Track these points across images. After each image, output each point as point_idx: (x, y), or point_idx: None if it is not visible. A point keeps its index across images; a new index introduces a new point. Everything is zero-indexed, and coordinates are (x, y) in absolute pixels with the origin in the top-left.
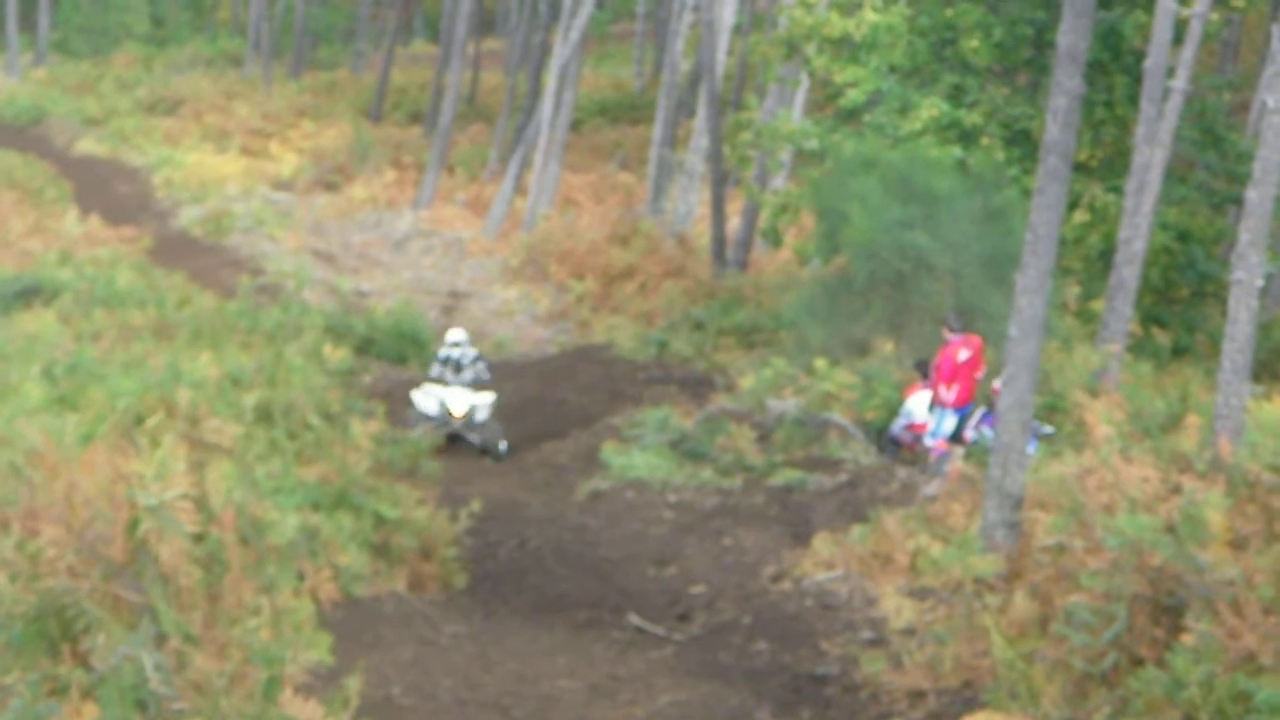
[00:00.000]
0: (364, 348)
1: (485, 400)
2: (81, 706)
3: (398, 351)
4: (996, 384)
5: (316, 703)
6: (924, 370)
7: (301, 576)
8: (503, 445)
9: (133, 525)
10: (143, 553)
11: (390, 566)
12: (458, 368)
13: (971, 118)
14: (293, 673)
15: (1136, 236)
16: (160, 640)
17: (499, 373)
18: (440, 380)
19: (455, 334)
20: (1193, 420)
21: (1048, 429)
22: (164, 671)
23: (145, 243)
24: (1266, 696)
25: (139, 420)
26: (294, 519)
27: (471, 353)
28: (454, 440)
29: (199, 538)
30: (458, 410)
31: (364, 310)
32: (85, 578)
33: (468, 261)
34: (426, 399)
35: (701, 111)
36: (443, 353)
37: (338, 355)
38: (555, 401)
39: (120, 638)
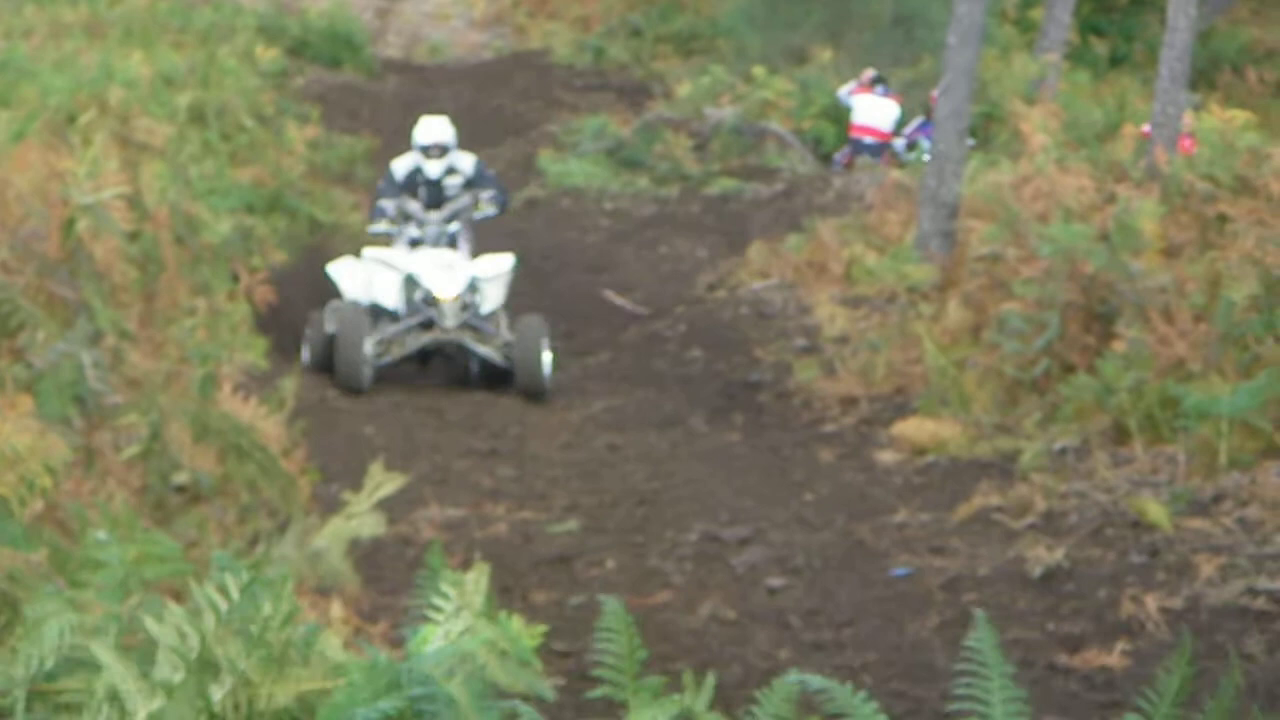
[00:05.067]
0: (297, 50)
1: (495, 271)
2: (17, 399)
3: (331, 54)
4: (935, 92)
5: (253, 402)
6: (879, 81)
7: (236, 279)
8: (546, 365)
9: (68, 223)
10: (78, 251)
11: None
12: (436, 196)
13: None
14: (229, 373)
15: None
16: (96, 337)
17: (434, 79)
18: (391, 228)
19: (433, 127)
20: (1129, 129)
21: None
22: (101, 368)
23: None
24: (1195, 402)
25: (71, 119)
26: (228, 220)
27: (466, 162)
28: (430, 358)
29: (134, 236)
30: (445, 291)
31: (297, 11)
32: (20, 274)
33: None
34: (370, 273)
35: None
36: (402, 163)
37: (271, 57)
38: (491, 108)
39: (57, 335)
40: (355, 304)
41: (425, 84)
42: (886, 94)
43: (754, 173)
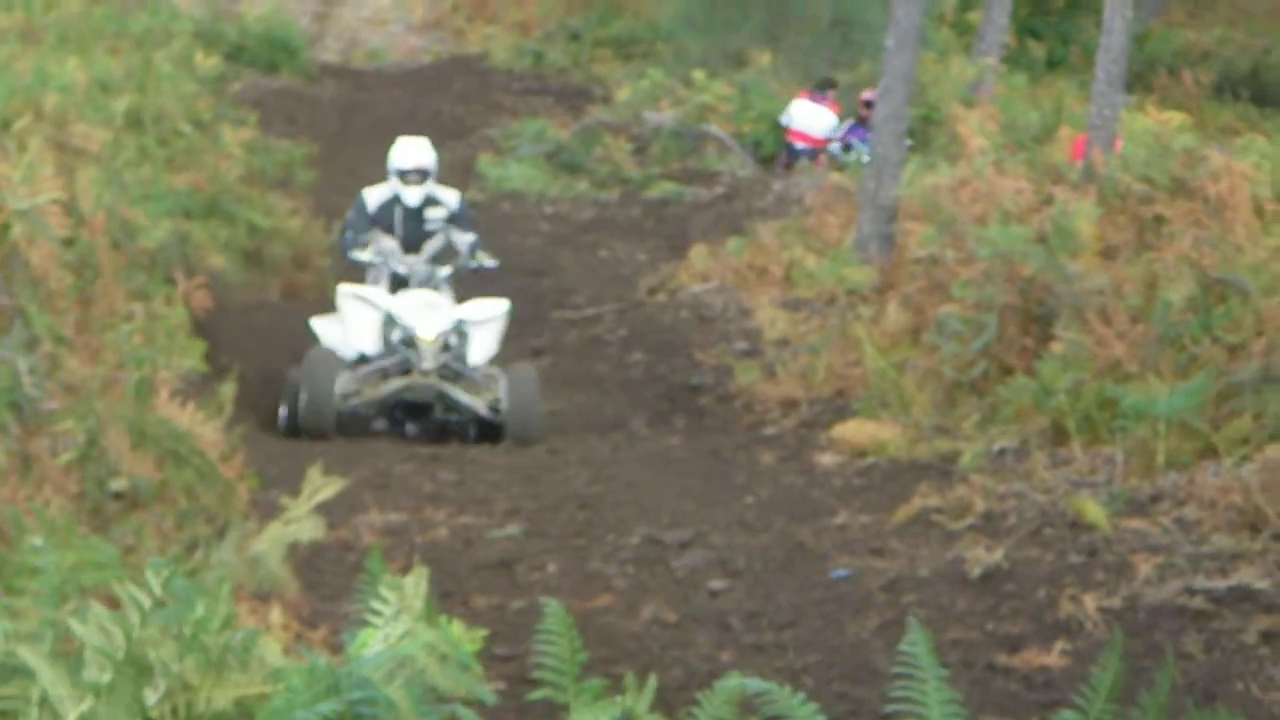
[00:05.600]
0: (234, 55)
1: (485, 315)
2: None
3: (269, 59)
4: (865, 94)
5: (191, 407)
6: (829, 85)
7: (174, 283)
8: (539, 421)
9: (3, 229)
10: (13, 256)
11: (263, 276)
12: (415, 230)
13: None
14: (167, 378)
15: None
16: (32, 343)
17: (372, 83)
18: (374, 256)
19: (413, 150)
20: (1066, 132)
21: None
22: (36, 374)
23: None
24: (1132, 403)
25: (6, 124)
26: (165, 226)
27: (449, 196)
28: (416, 415)
29: (69, 242)
30: (426, 330)
31: (234, 16)
32: None
33: None
34: (345, 312)
35: None
36: (375, 193)
37: (208, 63)
38: (430, 113)
39: None
40: (328, 350)
41: (363, 89)
42: (822, 100)
43: (694, 176)
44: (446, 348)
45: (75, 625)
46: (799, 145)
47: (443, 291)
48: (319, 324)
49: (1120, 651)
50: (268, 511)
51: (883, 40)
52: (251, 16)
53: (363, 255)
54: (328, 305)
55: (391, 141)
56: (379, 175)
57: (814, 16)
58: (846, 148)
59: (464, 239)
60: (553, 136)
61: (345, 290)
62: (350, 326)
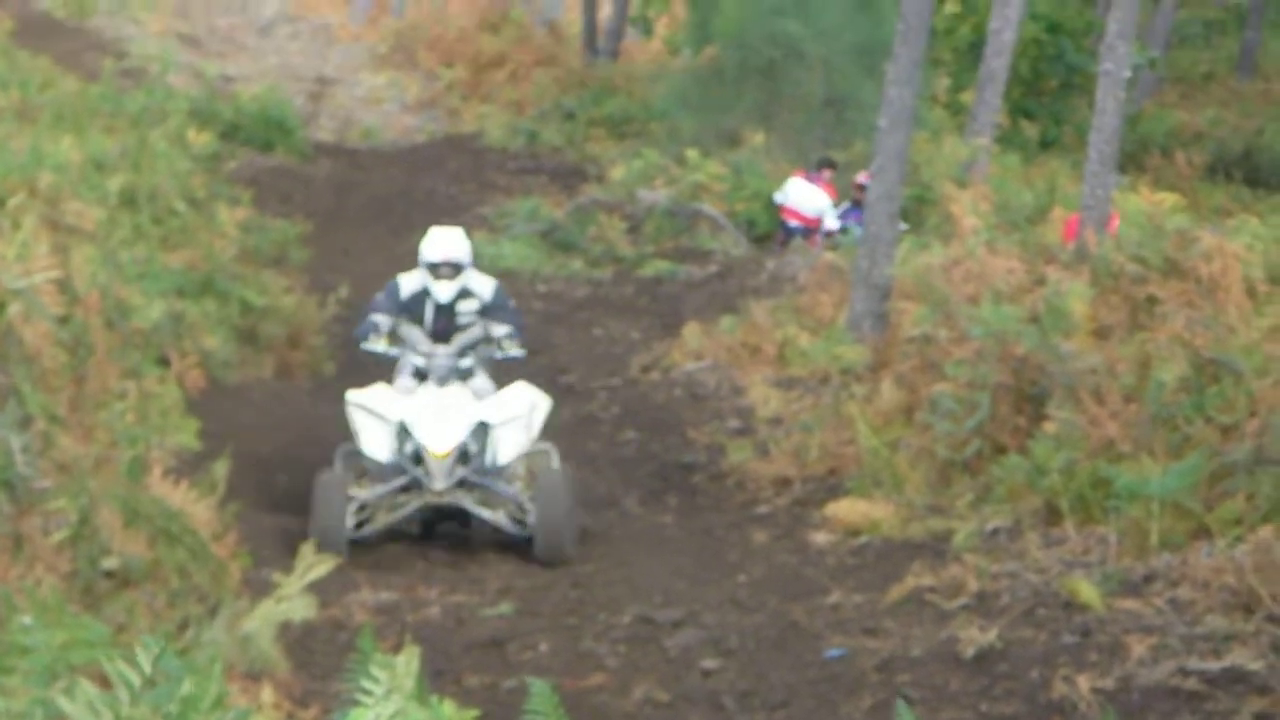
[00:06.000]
0: (229, 134)
1: (514, 412)
2: None
3: (264, 138)
4: (859, 177)
5: (184, 486)
6: (828, 164)
7: (167, 362)
8: (572, 534)
9: None
10: (8, 335)
11: (257, 354)
12: (446, 323)
13: None
14: (160, 456)
15: (1006, 27)
16: (25, 422)
17: (367, 162)
18: (389, 348)
19: (445, 241)
20: (1059, 212)
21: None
22: (29, 453)
23: (6, 24)
24: (1126, 483)
25: (0, 203)
26: (159, 304)
27: (484, 285)
28: (441, 521)
29: (64, 320)
30: (437, 444)
31: (229, 95)
32: None
33: (335, 48)
34: (360, 427)
35: None
36: (409, 281)
37: (203, 140)
38: (424, 191)
39: None
40: (338, 474)
41: (358, 167)
42: (817, 180)
43: (687, 255)
44: (465, 458)
45: (65, 703)
46: (793, 224)
47: (475, 381)
48: (357, 413)
49: None
50: (260, 589)
51: (875, 120)
52: (246, 95)
53: (376, 347)
54: (321, 386)
55: (386, 219)
56: (373, 253)
57: (807, 96)
58: (843, 230)
59: (498, 331)
60: (547, 215)
61: (352, 399)
62: (362, 437)
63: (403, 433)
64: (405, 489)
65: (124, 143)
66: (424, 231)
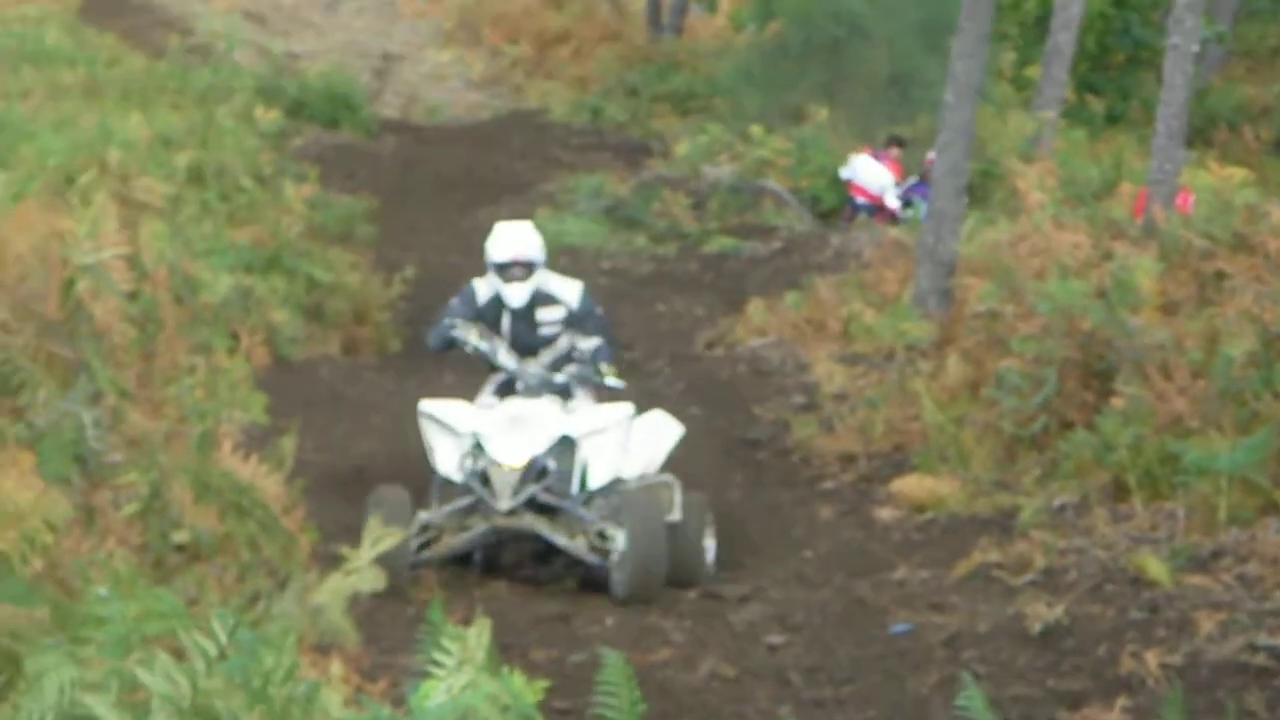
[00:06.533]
0: (295, 110)
1: (598, 425)
2: (18, 458)
3: (329, 114)
4: (930, 155)
5: (253, 460)
6: (896, 142)
7: (235, 338)
8: (709, 552)
9: (67, 283)
10: (77, 310)
11: (324, 330)
12: (526, 334)
13: None
14: (228, 431)
15: (1073, 2)
16: (96, 397)
17: (431, 139)
18: (480, 342)
19: (508, 238)
20: (1126, 187)
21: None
22: (100, 427)
23: (73, 1)
24: (1194, 458)
25: (70, 179)
26: (227, 280)
27: (569, 290)
28: (507, 548)
29: (133, 296)
30: (508, 456)
31: (295, 72)
32: (20, 334)
33: (400, 24)
34: (431, 440)
35: None
36: (485, 285)
37: (269, 117)
38: (489, 168)
39: (57, 394)
40: (397, 490)
41: (423, 144)
42: (884, 157)
43: (751, 231)
44: (542, 474)
45: (142, 674)
46: (860, 200)
47: (573, 399)
48: (431, 428)
49: (1181, 707)
50: (328, 563)
51: (941, 95)
52: (312, 73)
53: (465, 335)
54: (386, 362)
55: (452, 196)
56: (438, 230)
57: (871, 73)
58: (907, 204)
59: (587, 345)
60: (611, 191)
61: (425, 409)
62: (434, 451)
63: (476, 448)
64: (470, 510)
65: (191, 120)
66: (491, 208)
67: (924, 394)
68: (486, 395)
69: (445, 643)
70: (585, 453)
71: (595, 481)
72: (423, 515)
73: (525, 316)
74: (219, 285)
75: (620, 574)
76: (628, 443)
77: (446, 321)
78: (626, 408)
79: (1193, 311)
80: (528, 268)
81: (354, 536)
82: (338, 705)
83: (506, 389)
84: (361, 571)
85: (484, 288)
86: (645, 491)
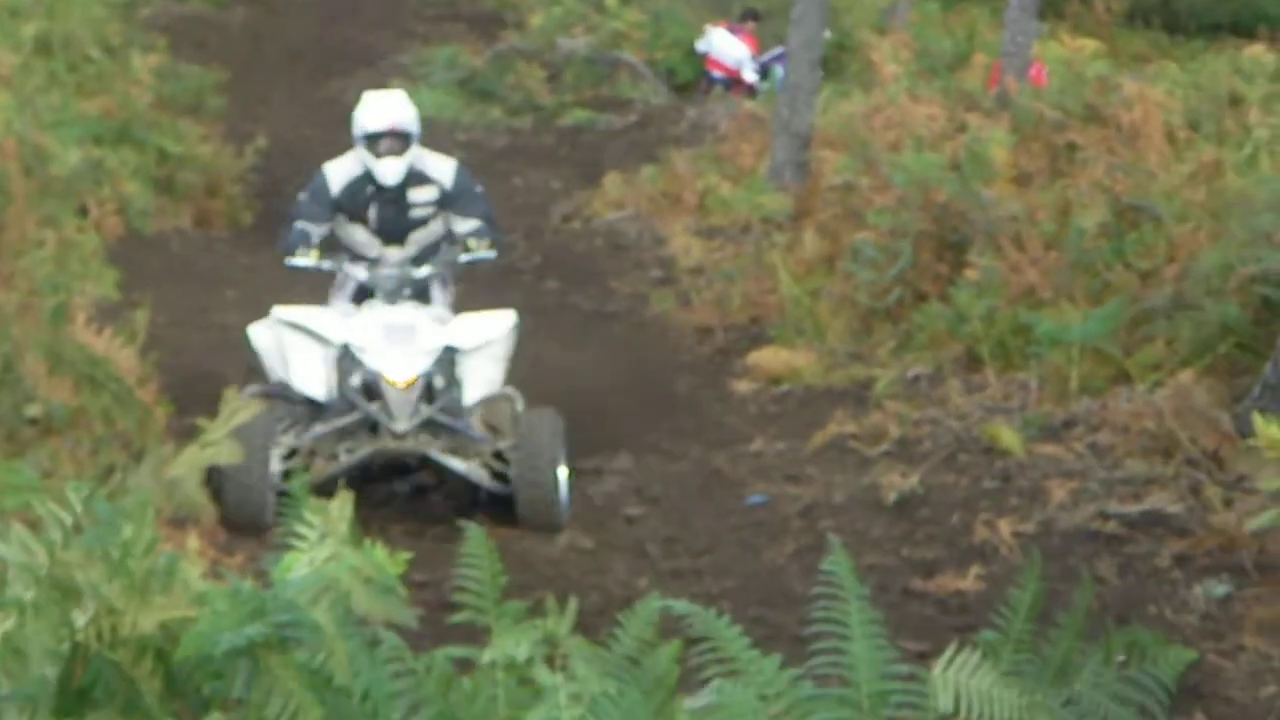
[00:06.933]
0: None
1: (485, 337)
2: None
3: None
4: None
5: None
6: (751, 16)
7: (85, 211)
8: (562, 488)
9: None
10: None
11: (175, 203)
12: (397, 218)
13: None
14: (80, 305)
15: None
16: None
17: (282, 8)
18: (318, 261)
19: (383, 107)
20: (980, 59)
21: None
22: None
23: None
24: (1046, 329)
25: None
26: (76, 152)
27: (441, 167)
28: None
29: None
30: (398, 372)
31: None
32: None
33: None
34: (283, 345)
35: None
36: (340, 169)
37: None
38: (341, 39)
39: None
40: (282, 394)
41: (273, 14)
42: (739, 32)
43: (607, 103)
44: (429, 394)
45: None
46: (716, 74)
47: (433, 300)
48: (260, 338)
49: (1039, 574)
50: (184, 436)
51: None
52: None
53: (304, 261)
54: (239, 235)
55: (303, 67)
56: (289, 102)
57: None
58: (764, 75)
59: (464, 228)
60: (465, 63)
61: (281, 316)
62: (292, 365)
63: (346, 360)
64: (347, 431)
65: None
66: (342, 80)
67: (780, 267)
68: (342, 299)
69: (307, 515)
70: (464, 368)
71: (470, 398)
72: (286, 442)
73: (396, 198)
74: (68, 157)
75: (523, 499)
76: (507, 355)
77: (297, 228)
78: (510, 317)
79: (1045, 183)
80: (404, 140)
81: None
82: (197, 578)
83: (363, 293)
84: (218, 445)
85: (341, 171)
86: (541, 416)
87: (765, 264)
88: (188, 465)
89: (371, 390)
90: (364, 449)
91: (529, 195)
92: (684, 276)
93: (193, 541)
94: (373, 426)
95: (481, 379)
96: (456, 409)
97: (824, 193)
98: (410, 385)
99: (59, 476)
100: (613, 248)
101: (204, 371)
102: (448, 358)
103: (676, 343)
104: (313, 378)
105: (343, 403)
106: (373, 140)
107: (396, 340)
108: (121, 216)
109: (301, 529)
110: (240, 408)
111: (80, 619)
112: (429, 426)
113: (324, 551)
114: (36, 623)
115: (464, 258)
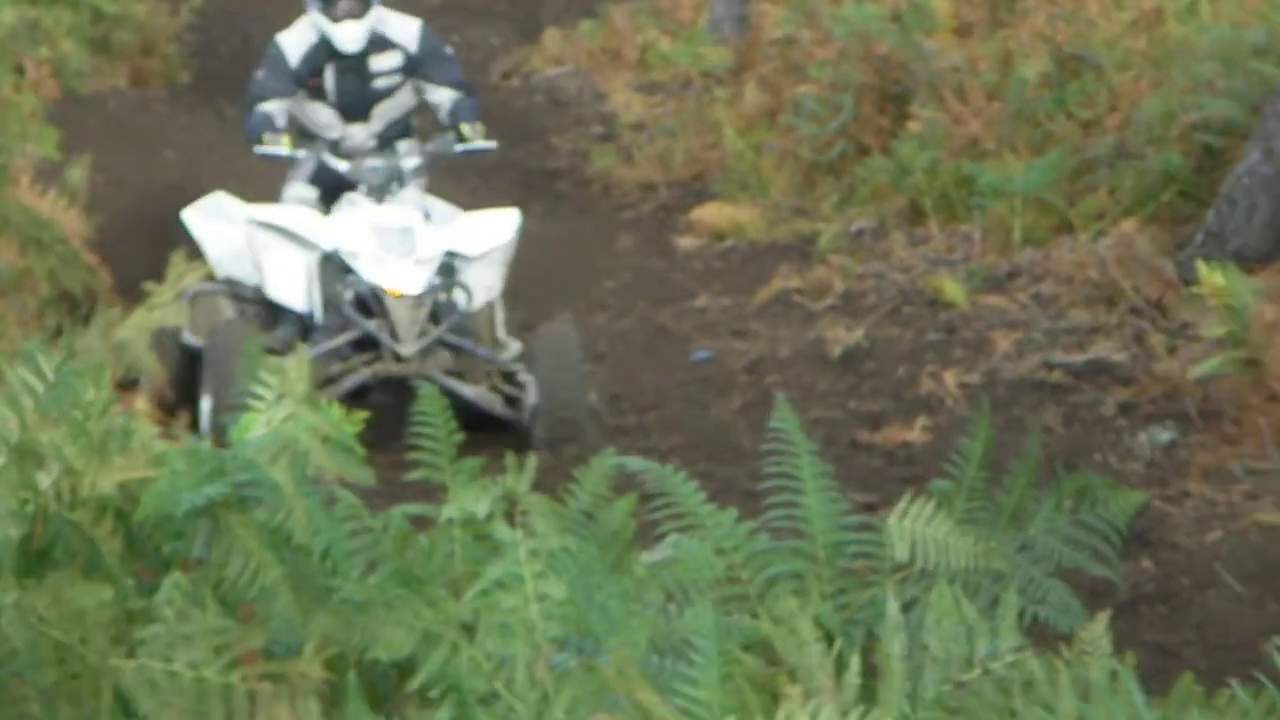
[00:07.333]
0: None
1: (489, 244)
2: None
3: None
4: None
5: (51, 195)
6: None
7: (22, 71)
8: (585, 409)
9: None
10: None
11: (111, 62)
12: (358, 90)
13: None
14: (23, 165)
15: None
16: None
17: None
18: (291, 149)
19: None
20: None
21: None
22: None
23: None
24: (988, 179)
25: None
26: (10, 11)
27: (405, 29)
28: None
29: None
30: (401, 283)
31: None
32: None
33: None
34: (258, 250)
35: None
36: (295, 38)
37: None
38: None
39: None
40: (231, 292)
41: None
42: None
43: None
44: (434, 312)
45: None
46: None
47: (412, 194)
48: (199, 226)
49: (989, 423)
50: (130, 298)
51: None
52: None
53: (275, 149)
54: (176, 94)
55: None
56: None
57: None
58: None
59: (439, 97)
60: None
61: (255, 214)
62: (267, 272)
63: (330, 267)
64: (344, 352)
65: None
66: None
67: (723, 121)
68: (297, 184)
69: (263, 375)
70: (468, 277)
71: (474, 305)
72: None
73: (357, 67)
74: (3, 16)
75: (543, 419)
76: (507, 260)
77: (259, 111)
78: (514, 216)
79: (986, 34)
80: (363, 2)
81: (155, 272)
82: (153, 439)
83: (324, 171)
84: (165, 306)
85: (296, 40)
86: (562, 330)
87: (707, 119)
88: (135, 328)
89: (367, 306)
90: (362, 373)
91: (468, 52)
92: (625, 132)
93: (141, 403)
94: (370, 343)
95: (481, 288)
96: (462, 326)
97: (765, 46)
98: (417, 301)
99: (5, 339)
100: (553, 104)
101: (146, 233)
102: (448, 267)
103: (619, 199)
104: (291, 287)
105: (335, 318)
106: (329, 3)
107: (392, 246)
108: (58, 77)
109: (258, 389)
110: (188, 270)
111: (44, 481)
112: (434, 348)
113: (281, 411)
114: (1, 486)
115: (459, 148)
